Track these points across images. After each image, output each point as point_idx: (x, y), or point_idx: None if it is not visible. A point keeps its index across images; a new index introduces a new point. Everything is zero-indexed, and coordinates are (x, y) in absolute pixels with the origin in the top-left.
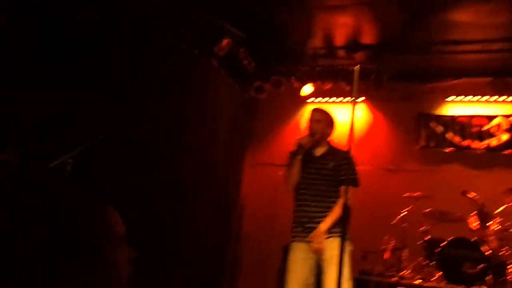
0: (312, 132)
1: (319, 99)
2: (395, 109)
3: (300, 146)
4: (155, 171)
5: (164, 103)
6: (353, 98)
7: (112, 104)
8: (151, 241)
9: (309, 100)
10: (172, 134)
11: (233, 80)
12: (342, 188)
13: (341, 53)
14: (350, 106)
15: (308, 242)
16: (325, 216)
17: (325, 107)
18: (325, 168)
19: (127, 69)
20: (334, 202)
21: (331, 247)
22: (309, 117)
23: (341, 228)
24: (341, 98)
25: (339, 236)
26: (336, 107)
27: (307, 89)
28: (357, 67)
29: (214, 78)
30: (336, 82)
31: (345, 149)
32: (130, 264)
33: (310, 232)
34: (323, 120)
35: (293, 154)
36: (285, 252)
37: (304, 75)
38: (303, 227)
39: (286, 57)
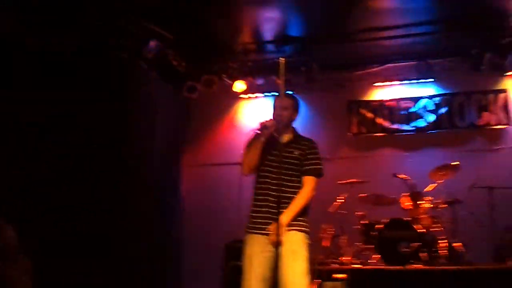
0: (278, 120)
1: (252, 95)
2: (326, 98)
3: (264, 127)
4: (91, 175)
5: (94, 109)
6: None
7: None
8: (90, 246)
9: (242, 97)
10: (105, 139)
11: (165, 82)
12: (306, 178)
13: (271, 47)
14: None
15: (266, 234)
16: (286, 208)
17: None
18: (290, 157)
19: (53, 75)
20: (296, 193)
21: (291, 241)
22: (275, 104)
23: (303, 221)
24: (273, 93)
25: (300, 230)
26: (269, 102)
27: (239, 85)
28: (282, 60)
29: (145, 81)
30: (268, 77)
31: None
32: (27, 274)
33: (269, 224)
34: (290, 107)
35: (257, 136)
36: (228, 250)
37: (235, 72)
38: (263, 218)
39: (216, 54)
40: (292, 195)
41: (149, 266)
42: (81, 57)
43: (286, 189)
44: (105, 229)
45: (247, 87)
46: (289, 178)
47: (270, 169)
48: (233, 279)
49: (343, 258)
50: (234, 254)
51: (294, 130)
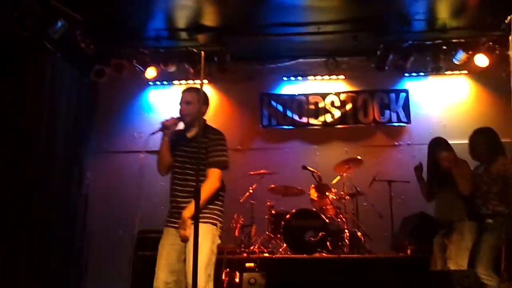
0: (182, 115)
1: (163, 82)
2: (239, 90)
3: (163, 127)
4: None
5: None
6: (200, 82)
7: None
8: None
9: (152, 84)
10: (6, 124)
11: (72, 65)
12: (209, 171)
13: (184, 35)
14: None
15: (177, 227)
16: (187, 201)
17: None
18: (195, 151)
19: None
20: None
21: (195, 232)
22: (180, 99)
23: (209, 212)
24: (184, 81)
25: (204, 222)
26: (180, 90)
27: (150, 72)
28: (202, 52)
29: (50, 62)
30: (180, 64)
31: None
32: None
33: (178, 217)
34: (194, 101)
35: (153, 133)
36: (138, 241)
37: (146, 57)
38: (173, 212)
39: (128, 39)
40: (199, 185)
41: (53, 257)
42: None
43: (191, 183)
44: (6, 219)
45: (158, 74)
46: (194, 172)
47: (177, 164)
48: (142, 269)
49: (253, 247)
50: (144, 244)
51: (202, 123)
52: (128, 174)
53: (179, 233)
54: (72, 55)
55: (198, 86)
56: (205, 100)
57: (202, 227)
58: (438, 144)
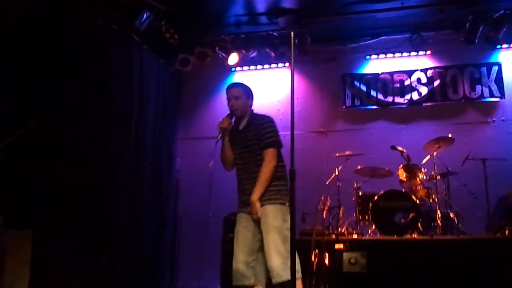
0: (233, 110)
1: (245, 67)
2: (320, 71)
3: (222, 130)
4: (83, 152)
5: (84, 84)
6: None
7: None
8: (84, 226)
9: (235, 70)
10: (97, 116)
11: (157, 55)
12: (265, 152)
13: (264, 19)
14: (276, 72)
15: (248, 212)
16: (254, 186)
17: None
18: (248, 139)
19: (45, 52)
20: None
21: (265, 215)
22: (227, 95)
23: (274, 193)
24: (267, 65)
25: (271, 203)
26: (263, 74)
27: (233, 58)
28: (292, 33)
29: (137, 54)
30: (261, 49)
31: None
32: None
33: (247, 203)
34: (241, 95)
35: (218, 140)
36: (226, 223)
37: (228, 44)
38: (241, 199)
39: (209, 27)
40: (257, 174)
41: (149, 241)
42: (67, 30)
43: (253, 168)
44: (102, 206)
45: (240, 60)
46: (251, 159)
47: (237, 155)
48: (231, 250)
49: (341, 229)
50: (232, 226)
51: (250, 113)
52: (215, 159)
53: (251, 217)
54: (158, 46)
55: (241, 82)
56: (250, 93)
57: (271, 208)
58: None
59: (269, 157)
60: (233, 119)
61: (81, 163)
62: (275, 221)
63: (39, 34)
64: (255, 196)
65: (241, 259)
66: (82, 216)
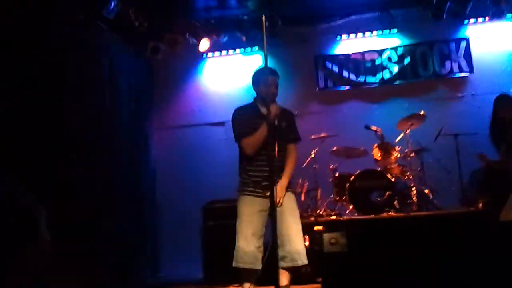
0: (274, 97)
1: (217, 53)
2: (292, 54)
3: (274, 117)
4: (56, 145)
5: (55, 75)
6: (261, 48)
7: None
8: (66, 212)
9: (206, 56)
10: (70, 106)
11: (127, 43)
12: (292, 146)
13: (233, 2)
14: (248, 57)
15: (264, 196)
16: (278, 173)
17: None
18: (279, 129)
19: (11, 43)
20: (283, 160)
21: (289, 200)
22: (270, 82)
23: (293, 184)
24: (239, 50)
25: (293, 191)
26: (235, 59)
27: (204, 44)
28: (264, 16)
29: (107, 43)
30: (232, 34)
31: None
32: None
33: (265, 188)
34: (277, 83)
35: (259, 119)
36: (205, 211)
37: (199, 30)
38: (259, 183)
39: (179, 13)
40: (281, 163)
41: (127, 231)
42: (33, 21)
43: (278, 157)
44: (79, 199)
45: (211, 45)
46: (278, 147)
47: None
48: (212, 238)
49: (319, 211)
50: (211, 214)
51: (277, 103)
52: (192, 147)
53: (277, 201)
54: (127, 34)
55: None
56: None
57: (292, 196)
58: (502, 100)
59: (296, 151)
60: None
61: (55, 156)
62: (296, 208)
63: (4, 27)
64: (286, 181)
65: (254, 243)
66: (59, 209)
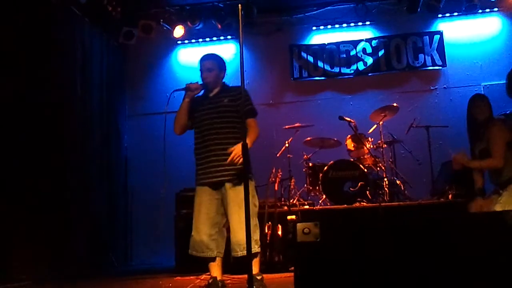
0: (205, 82)
1: (192, 40)
2: (267, 43)
3: (187, 88)
4: (30, 132)
5: (27, 60)
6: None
7: None
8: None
9: (181, 43)
10: (41, 92)
11: (100, 28)
12: (250, 121)
13: None
14: (222, 45)
15: (212, 185)
16: (226, 153)
17: (187, 53)
18: (221, 105)
19: None
20: (232, 137)
21: (237, 190)
22: (201, 67)
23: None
24: (214, 38)
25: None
26: (209, 48)
27: (178, 31)
28: (239, 5)
29: (79, 28)
30: (207, 21)
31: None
32: None
33: (214, 173)
34: (214, 67)
35: (177, 90)
36: (178, 199)
37: (173, 16)
38: (206, 168)
39: None
40: (229, 140)
41: (99, 219)
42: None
43: (222, 135)
44: (51, 183)
45: (186, 32)
46: (223, 125)
47: (204, 122)
48: (185, 226)
49: (292, 200)
50: (185, 202)
51: (223, 84)
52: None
53: (234, 156)
54: (100, 20)
55: (216, 52)
56: (223, 65)
57: (249, 184)
58: (472, 102)
59: (255, 124)
60: (202, 91)
61: (30, 143)
62: (248, 196)
63: None
64: (245, 143)
65: (204, 231)
66: (34, 194)
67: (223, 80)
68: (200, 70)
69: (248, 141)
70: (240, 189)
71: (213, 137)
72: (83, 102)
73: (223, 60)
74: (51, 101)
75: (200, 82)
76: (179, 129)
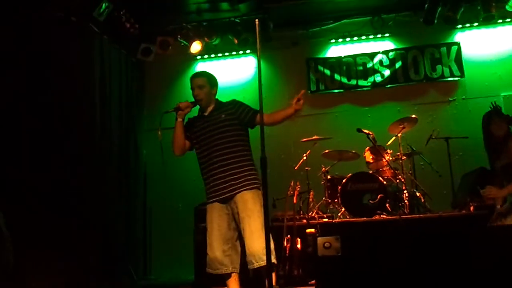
0: (197, 100)
1: (208, 55)
2: (284, 57)
3: (177, 108)
4: (48, 147)
5: (47, 77)
6: (253, 51)
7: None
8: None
9: (198, 58)
10: (61, 108)
11: (118, 45)
12: (257, 116)
13: (225, 5)
14: (239, 60)
15: (221, 201)
16: (229, 167)
17: (204, 68)
18: (219, 121)
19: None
20: (233, 151)
21: (246, 201)
22: (192, 84)
23: (254, 179)
24: (231, 53)
25: (252, 187)
26: (227, 62)
27: (195, 46)
28: (256, 20)
29: (97, 45)
30: (224, 36)
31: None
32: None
33: (220, 191)
34: (205, 84)
35: (168, 111)
36: (196, 213)
37: (190, 32)
38: (213, 189)
39: (170, 15)
40: (232, 155)
41: (118, 233)
42: (25, 21)
43: (225, 150)
44: (69, 197)
45: (203, 48)
46: (224, 140)
47: (203, 142)
48: (203, 239)
49: (311, 213)
50: (203, 216)
51: (216, 101)
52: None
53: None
54: (118, 36)
55: (206, 70)
56: (214, 81)
57: (249, 194)
58: (489, 119)
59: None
60: (199, 112)
61: (46, 158)
62: (255, 206)
63: None
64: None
65: (217, 247)
66: (51, 211)
67: (216, 97)
68: (192, 88)
69: (280, 115)
70: (248, 197)
71: (215, 154)
72: (102, 117)
73: (214, 77)
74: (70, 117)
75: (191, 101)
76: (178, 150)
